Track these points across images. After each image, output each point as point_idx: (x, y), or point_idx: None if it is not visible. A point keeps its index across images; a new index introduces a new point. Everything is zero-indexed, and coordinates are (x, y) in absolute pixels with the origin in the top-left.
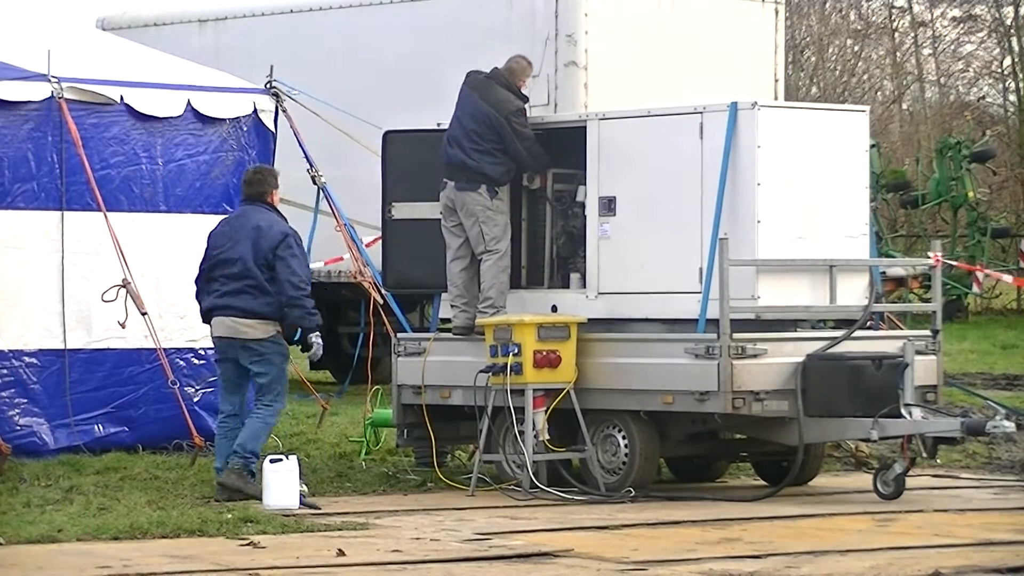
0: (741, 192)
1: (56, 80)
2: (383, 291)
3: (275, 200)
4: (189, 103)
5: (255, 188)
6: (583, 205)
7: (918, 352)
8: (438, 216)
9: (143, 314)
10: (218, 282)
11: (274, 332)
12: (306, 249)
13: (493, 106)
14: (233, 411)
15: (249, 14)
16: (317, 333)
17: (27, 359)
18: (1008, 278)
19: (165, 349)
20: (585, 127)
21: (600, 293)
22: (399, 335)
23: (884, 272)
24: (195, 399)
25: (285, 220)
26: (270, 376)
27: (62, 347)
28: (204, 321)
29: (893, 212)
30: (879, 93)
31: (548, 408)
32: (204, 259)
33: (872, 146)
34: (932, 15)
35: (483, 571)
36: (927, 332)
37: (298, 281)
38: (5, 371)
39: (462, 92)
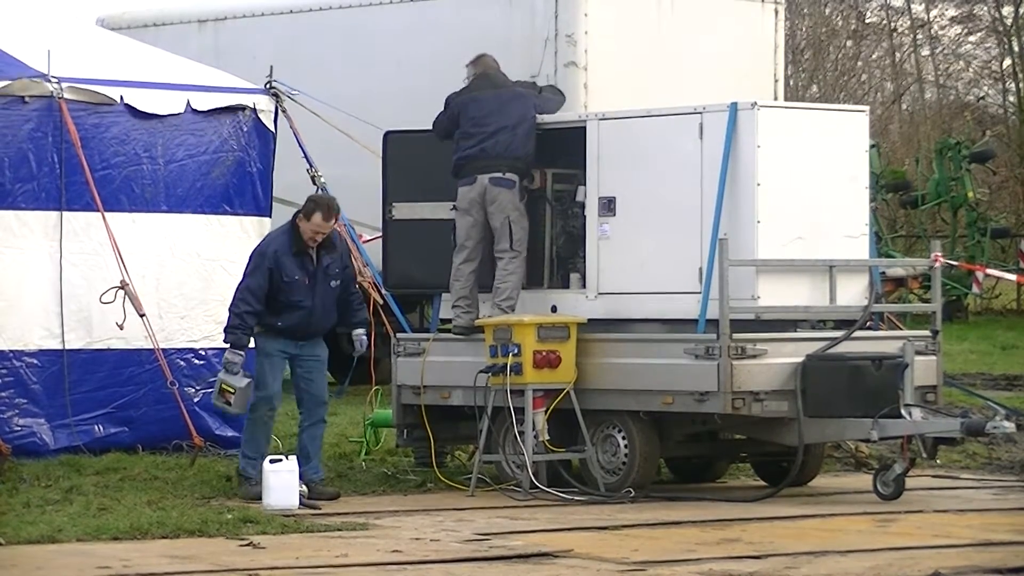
0: (741, 192)
1: (56, 80)
2: (383, 291)
3: (300, 222)
4: (189, 103)
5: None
6: (583, 205)
7: (918, 352)
8: (438, 216)
9: (141, 315)
10: None
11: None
12: None
13: (518, 91)
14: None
15: (249, 14)
16: (234, 353)
17: (27, 359)
18: (1011, 276)
19: (165, 350)
20: (585, 127)
21: (600, 293)
22: (399, 335)
23: (884, 272)
24: (195, 399)
25: (295, 242)
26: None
27: (62, 347)
28: None
29: (893, 212)
30: (879, 93)
31: (548, 408)
32: None
33: (872, 146)
34: (930, 15)
35: (483, 571)
36: (927, 332)
37: (236, 295)
38: (5, 371)
39: (479, 96)
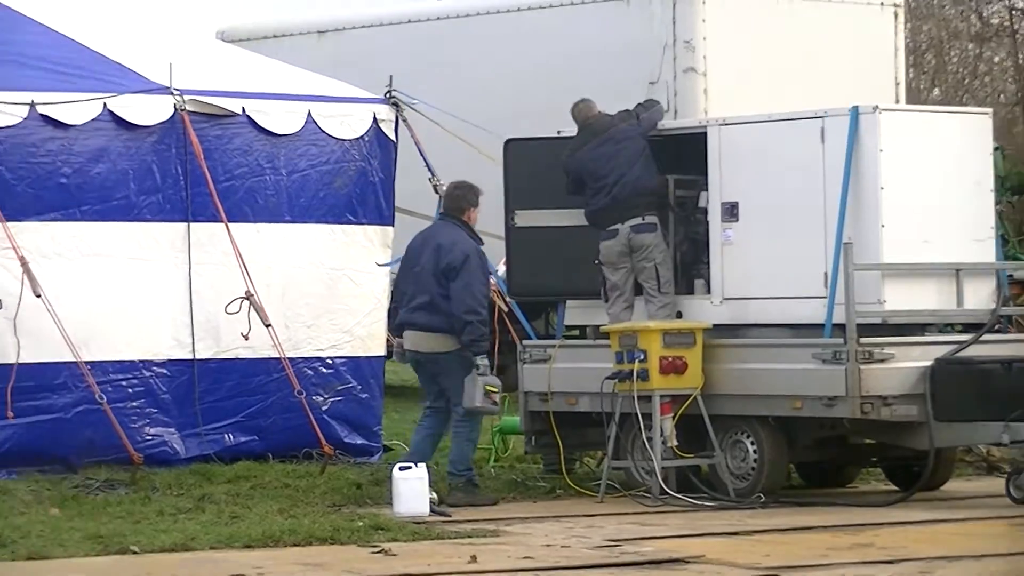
0: (864, 196)
1: (179, 93)
2: (508, 299)
3: (471, 217)
4: (310, 114)
5: (450, 203)
6: (706, 211)
7: None
8: (561, 223)
9: (267, 326)
10: (407, 295)
11: (456, 346)
12: None
13: (622, 129)
14: (428, 414)
15: (367, 24)
16: (484, 358)
17: (156, 369)
18: None
19: (293, 359)
20: (706, 133)
21: (725, 299)
22: (525, 342)
23: (1011, 275)
24: (323, 408)
25: (476, 238)
26: (456, 389)
27: (191, 357)
28: (395, 334)
29: (1020, 215)
30: (1002, 96)
31: (675, 414)
32: (399, 270)
33: (996, 149)
34: None
35: None
36: None
37: (471, 303)
38: (136, 381)
39: (590, 151)
